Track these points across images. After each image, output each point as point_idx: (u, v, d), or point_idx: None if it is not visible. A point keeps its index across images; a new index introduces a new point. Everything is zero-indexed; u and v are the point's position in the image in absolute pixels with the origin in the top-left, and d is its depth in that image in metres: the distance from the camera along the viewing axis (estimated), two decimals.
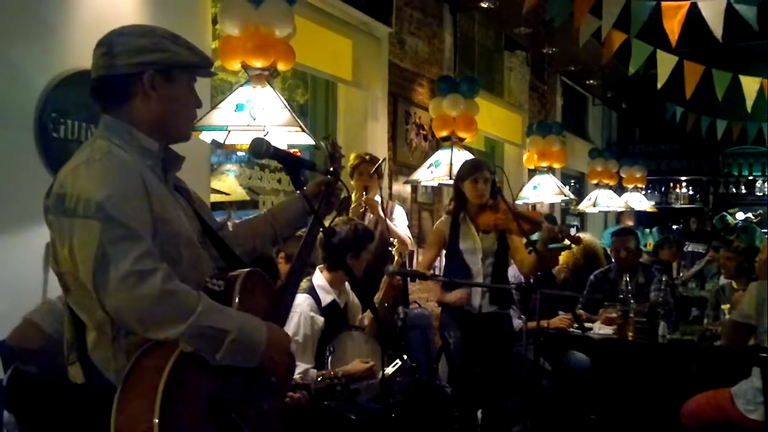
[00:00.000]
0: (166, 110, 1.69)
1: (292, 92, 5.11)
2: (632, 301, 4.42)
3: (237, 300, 1.62)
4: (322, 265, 3.27)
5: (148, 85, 1.65)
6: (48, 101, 2.86)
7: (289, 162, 1.95)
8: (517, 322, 4.10)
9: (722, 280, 5.54)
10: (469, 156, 5.35)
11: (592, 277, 5.09)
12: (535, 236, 3.73)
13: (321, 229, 2.01)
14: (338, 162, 2.11)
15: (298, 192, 1.94)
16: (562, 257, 5.57)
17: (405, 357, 2.27)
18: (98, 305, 1.52)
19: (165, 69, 1.67)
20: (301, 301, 3.08)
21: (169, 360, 1.48)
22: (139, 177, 1.59)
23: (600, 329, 4.56)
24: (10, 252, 2.70)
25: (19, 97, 2.81)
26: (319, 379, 2.58)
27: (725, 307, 4.40)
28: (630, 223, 8.49)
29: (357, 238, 3.22)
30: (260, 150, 1.89)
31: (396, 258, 3.65)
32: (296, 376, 2.89)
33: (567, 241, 4.26)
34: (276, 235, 1.99)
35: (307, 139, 3.50)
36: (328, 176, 2.04)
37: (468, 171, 3.90)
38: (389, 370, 2.43)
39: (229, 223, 1.99)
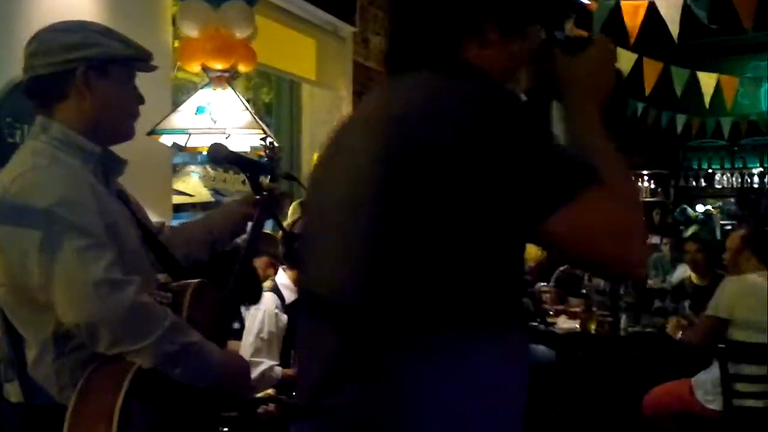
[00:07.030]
0: (101, 108, 1.58)
1: (256, 91, 5.08)
2: (597, 296, 4.50)
3: (186, 312, 1.57)
4: (284, 265, 3.27)
5: (82, 82, 1.54)
6: (2, 106, 2.81)
7: (248, 167, 1.93)
8: None
9: (680, 273, 5.61)
10: None
11: (557, 272, 5.16)
12: None
13: (283, 233, 2.00)
14: (277, 165, 2.03)
15: (257, 197, 1.90)
16: (527, 253, 5.63)
17: None
18: (49, 321, 1.45)
19: (99, 65, 1.57)
20: (266, 298, 3.10)
21: (125, 378, 1.43)
22: (87, 183, 1.52)
23: (564, 323, 4.64)
24: None
25: None
26: (294, 393, 2.61)
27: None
28: None
29: None
30: (219, 155, 1.88)
31: None
32: (261, 370, 2.92)
33: None
34: (214, 241, 1.92)
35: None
36: (273, 182, 1.95)
37: None
38: None
39: (165, 228, 1.91)
